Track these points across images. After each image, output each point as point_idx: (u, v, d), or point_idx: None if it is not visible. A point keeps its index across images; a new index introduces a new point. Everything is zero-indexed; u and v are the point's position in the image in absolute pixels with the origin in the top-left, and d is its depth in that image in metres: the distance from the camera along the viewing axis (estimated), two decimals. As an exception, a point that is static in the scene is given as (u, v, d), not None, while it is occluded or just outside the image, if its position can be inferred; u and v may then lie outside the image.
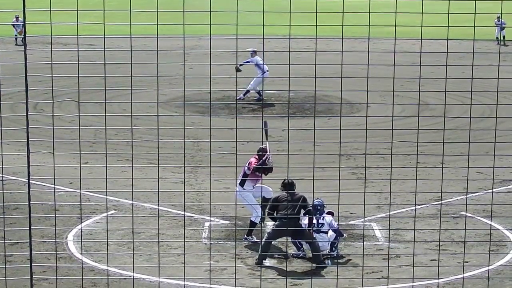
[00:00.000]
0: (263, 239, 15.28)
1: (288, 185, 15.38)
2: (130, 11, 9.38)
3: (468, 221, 16.71)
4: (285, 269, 14.70)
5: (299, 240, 15.45)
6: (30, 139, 9.95)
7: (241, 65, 31.44)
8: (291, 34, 9.75)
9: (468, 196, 17.35)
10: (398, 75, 9.81)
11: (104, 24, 9.50)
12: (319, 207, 15.72)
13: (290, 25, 9.32)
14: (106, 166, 10.50)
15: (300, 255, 15.60)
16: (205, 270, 14.08)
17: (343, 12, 9.55)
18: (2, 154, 10.69)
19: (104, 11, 9.42)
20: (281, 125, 26.55)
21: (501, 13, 10.63)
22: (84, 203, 17.97)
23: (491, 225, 16.34)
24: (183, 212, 16.94)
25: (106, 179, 10.36)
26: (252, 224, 16.50)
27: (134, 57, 10.60)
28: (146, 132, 24.15)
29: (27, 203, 10.24)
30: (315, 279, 14.14)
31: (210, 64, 9.78)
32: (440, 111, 27.97)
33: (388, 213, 17.32)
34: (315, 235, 15.42)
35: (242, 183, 16.51)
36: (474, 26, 9.54)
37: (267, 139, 16.56)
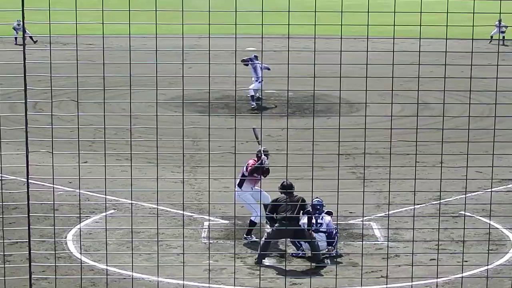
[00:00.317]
0: (263, 239, 15.29)
1: (287, 187, 15.40)
2: (129, 10, 9.38)
3: (467, 220, 16.72)
4: (284, 268, 14.70)
5: (299, 240, 15.46)
6: (29, 138, 9.94)
7: (245, 61, 31.38)
8: (290, 33, 9.75)
9: (467, 195, 17.34)
10: (397, 75, 9.81)
11: (103, 23, 9.51)
12: (318, 207, 15.72)
13: (289, 24, 9.32)
14: (105, 166, 10.49)
15: (300, 255, 15.61)
16: (204, 270, 14.08)
17: (341, 12, 9.55)
18: (1, 154, 10.69)
19: (103, 10, 9.42)
20: (280, 125, 26.55)
21: (500, 12, 10.62)
22: (83, 203, 17.96)
23: (490, 224, 16.35)
24: (182, 212, 16.93)
25: (105, 178, 10.36)
26: (252, 223, 16.50)
27: (133, 56, 10.60)
28: (146, 132, 24.12)
29: (26, 203, 10.24)
30: (315, 278, 14.15)
31: (209, 63, 9.78)
32: (439, 110, 27.94)
33: (387, 213, 17.33)
34: (314, 234, 15.43)
35: (240, 184, 16.52)
36: (473, 26, 9.54)
37: (259, 144, 16.58)
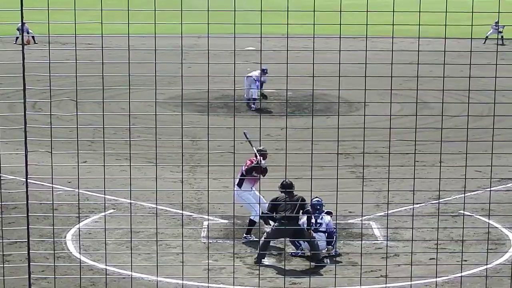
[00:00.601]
0: (262, 238, 15.29)
1: (286, 186, 15.39)
2: (128, 10, 9.38)
3: (466, 219, 16.73)
4: (284, 268, 14.70)
5: (298, 240, 15.46)
6: (28, 138, 9.94)
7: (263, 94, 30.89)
8: (289, 33, 9.76)
9: (466, 194, 17.36)
10: (396, 74, 9.81)
11: (102, 23, 9.50)
12: (318, 207, 15.73)
13: (288, 24, 9.32)
14: (104, 165, 10.50)
15: (299, 254, 15.61)
16: (203, 269, 14.07)
17: (340, 11, 9.55)
18: (0, 154, 10.69)
19: (102, 10, 9.42)
20: (279, 124, 26.56)
21: (499, 12, 10.63)
22: (83, 202, 17.95)
23: (489, 223, 16.35)
24: (181, 211, 16.93)
25: (105, 178, 10.36)
26: (251, 222, 16.50)
27: (132, 56, 10.60)
28: (145, 131, 24.14)
29: (25, 202, 10.23)
30: (314, 278, 14.15)
31: (208, 63, 9.78)
32: (438, 109, 27.97)
33: (386, 212, 17.32)
34: (313, 234, 15.43)
35: (240, 184, 16.52)
36: (472, 25, 9.54)
37: (252, 146, 16.59)
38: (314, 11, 9.44)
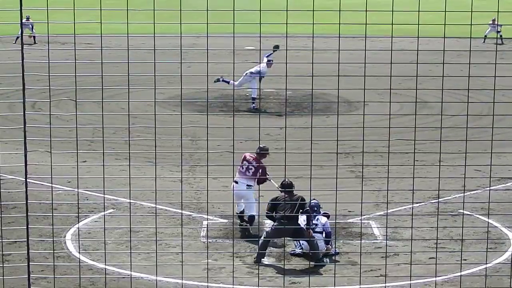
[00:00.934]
0: (262, 238, 15.29)
1: (286, 186, 15.39)
2: (127, 10, 9.38)
3: (466, 219, 16.73)
4: (283, 267, 14.70)
5: (298, 239, 15.45)
6: (27, 138, 9.94)
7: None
8: (288, 32, 9.76)
9: (466, 194, 17.36)
10: (395, 73, 9.82)
11: (101, 23, 9.51)
12: (315, 208, 15.74)
13: (287, 23, 9.33)
14: (103, 165, 10.50)
15: (297, 252, 15.58)
16: (203, 269, 14.08)
17: (339, 11, 9.55)
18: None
19: (101, 10, 9.42)
20: (279, 124, 26.56)
21: (498, 11, 10.63)
22: (82, 202, 17.96)
23: (489, 223, 16.35)
24: (181, 211, 16.93)
25: (104, 177, 10.36)
26: (251, 217, 16.56)
27: (131, 56, 10.60)
28: (144, 131, 24.12)
29: (25, 202, 10.24)
30: (314, 277, 14.14)
31: (208, 62, 9.79)
32: (438, 109, 27.97)
33: (386, 211, 17.33)
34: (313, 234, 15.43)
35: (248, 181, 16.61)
36: (471, 24, 9.54)
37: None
38: (313, 10, 9.44)
